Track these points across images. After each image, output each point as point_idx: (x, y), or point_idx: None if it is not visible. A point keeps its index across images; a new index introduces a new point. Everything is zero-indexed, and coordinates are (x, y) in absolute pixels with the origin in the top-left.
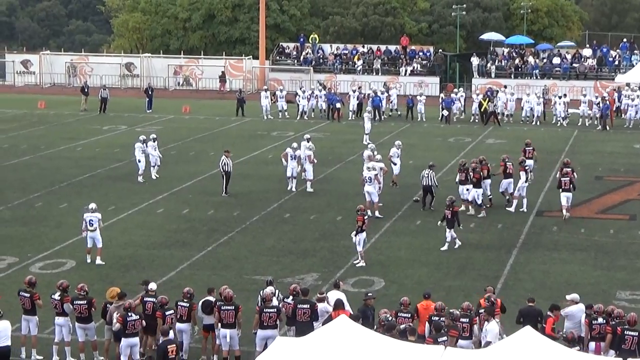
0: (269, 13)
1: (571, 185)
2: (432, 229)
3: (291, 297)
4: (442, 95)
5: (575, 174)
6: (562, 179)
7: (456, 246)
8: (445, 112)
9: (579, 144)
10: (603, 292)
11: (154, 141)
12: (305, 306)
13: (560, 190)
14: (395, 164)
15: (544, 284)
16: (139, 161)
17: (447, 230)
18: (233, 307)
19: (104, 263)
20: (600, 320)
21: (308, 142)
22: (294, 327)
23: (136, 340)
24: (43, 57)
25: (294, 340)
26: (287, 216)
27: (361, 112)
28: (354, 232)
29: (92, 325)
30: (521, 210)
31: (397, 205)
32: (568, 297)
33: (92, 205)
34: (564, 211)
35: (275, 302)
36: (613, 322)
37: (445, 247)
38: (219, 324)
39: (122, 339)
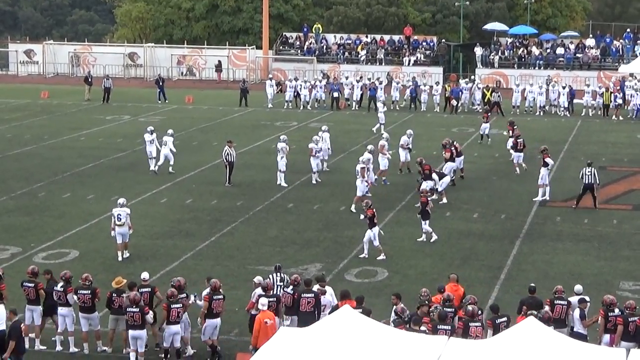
0: (272, 3)
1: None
2: (435, 219)
3: (291, 287)
4: (446, 85)
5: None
6: (518, 139)
7: (432, 240)
8: (454, 102)
9: (583, 134)
10: (606, 282)
11: (172, 136)
12: (309, 296)
13: (514, 150)
14: (406, 151)
15: (547, 274)
16: (151, 152)
17: (422, 222)
18: (222, 297)
19: (128, 255)
20: (617, 311)
21: (323, 132)
22: (295, 317)
23: (140, 332)
24: (46, 47)
25: (297, 330)
26: (290, 206)
27: (362, 102)
28: (368, 228)
29: (96, 315)
30: (544, 198)
31: (400, 195)
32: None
33: (121, 200)
34: (521, 168)
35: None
36: (616, 313)
37: (422, 238)
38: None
39: (128, 330)
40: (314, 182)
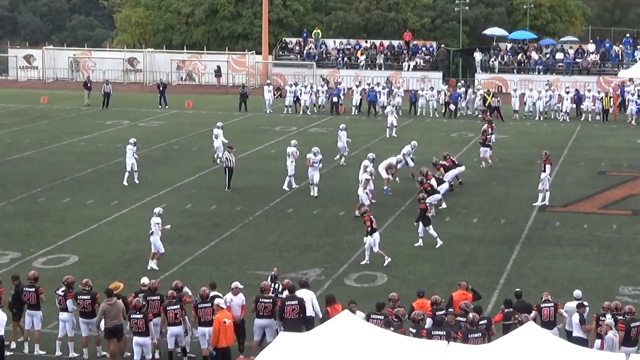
0: (272, 8)
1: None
2: (434, 224)
3: (286, 293)
4: (444, 90)
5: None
6: (486, 135)
7: (437, 246)
8: (452, 107)
9: (582, 139)
10: (606, 287)
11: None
12: (293, 303)
13: (482, 144)
14: (407, 163)
15: (547, 280)
16: (132, 165)
17: (421, 226)
18: (210, 305)
19: (157, 268)
20: (608, 317)
21: (341, 130)
22: (281, 322)
23: (145, 340)
24: (46, 52)
25: (297, 335)
26: (289, 211)
27: (361, 107)
28: (365, 236)
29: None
30: (543, 203)
31: (399, 200)
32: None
33: (157, 210)
34: (489, 161)
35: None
36: (622, 318)
37: (419, 243)
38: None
39: (133, 337)
40: (312, 194)
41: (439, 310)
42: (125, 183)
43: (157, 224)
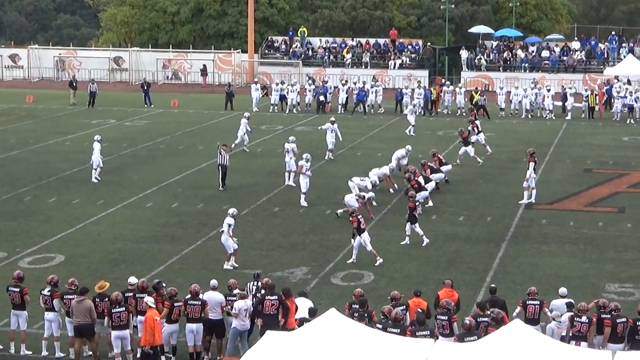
0: (257, 7)
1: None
2: (421, 222)
3: (263, 291)
4: (431, 88)
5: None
6: (462, 134)
7: (423, 244)
8: (421, 103)
9: (568, 137)
10: (592, 284)
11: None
12: (273, 298)
13: (463, 145)
14: (399, 168)
15: (533, 277)
16: (98, 162)
17: (408, 224)
18: (200, 302)
19: (237, 265)
20: (584, 319)
21: (332, 124)
22: (259, 320)
23: (125, 332)
24: (31, 51)
25: (283, 334)
26: (276, 210)
27: (347, 106)
28: (352, 237)
29: None
30: (529, 201)
31: (386, 198)
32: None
33: (231, 210)
34: (460, 160)
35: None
36: (607, 316)
37: (405, 241)
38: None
39: (112, 331)
40: (302, 203)
41: (399, 306)
42: (95, 179)
43: (230, 225)
